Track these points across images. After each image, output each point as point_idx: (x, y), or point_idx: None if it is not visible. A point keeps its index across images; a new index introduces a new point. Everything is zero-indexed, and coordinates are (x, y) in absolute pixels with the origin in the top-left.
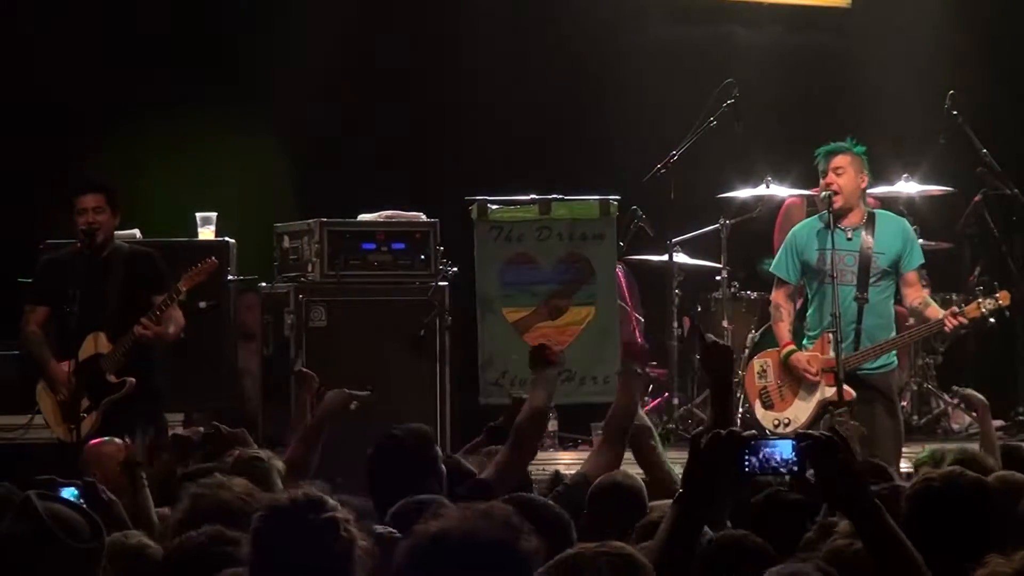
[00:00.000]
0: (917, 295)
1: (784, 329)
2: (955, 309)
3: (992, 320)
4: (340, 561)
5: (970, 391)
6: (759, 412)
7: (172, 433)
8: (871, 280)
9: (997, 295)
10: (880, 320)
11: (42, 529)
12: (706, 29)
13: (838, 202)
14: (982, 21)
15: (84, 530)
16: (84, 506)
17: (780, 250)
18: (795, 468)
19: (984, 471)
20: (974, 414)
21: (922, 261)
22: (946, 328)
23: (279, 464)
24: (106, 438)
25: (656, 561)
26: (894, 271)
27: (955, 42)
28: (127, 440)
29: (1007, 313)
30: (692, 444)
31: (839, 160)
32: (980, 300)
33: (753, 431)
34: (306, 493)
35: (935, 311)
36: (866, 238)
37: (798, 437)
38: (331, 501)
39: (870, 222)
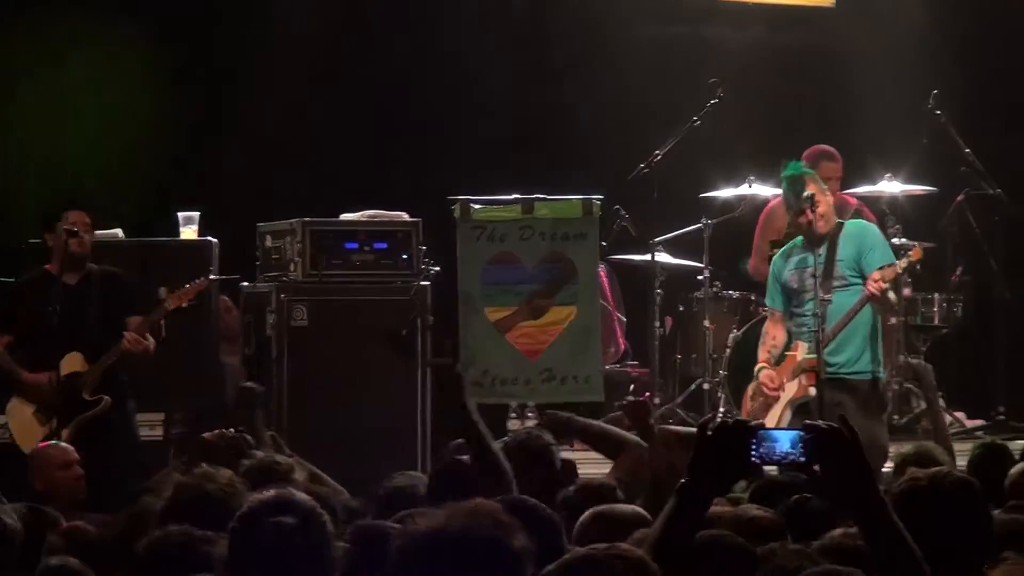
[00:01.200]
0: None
1: (762, 351)
2: (875, 275)
3: (909, 279)
4: (309, 562)
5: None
6: None
7: (199, 436)
8: (836, 285)
9: (910, 252)
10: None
11: None
12: (691, 28)
13: (822, 229)
14: (965, 21)
15: None
16: None
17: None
18: (800, 460)
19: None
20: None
21: (887, 260)
22: (870, 292)
23: (302, 471)
24: (52, 441)
25: (656, 550)
26: (861, 275)
27: (938, 42)
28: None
29: (918, 267)
30: (699, 432)
31: (813, 191)
32: (896, 261)
33: (761, 421)
34: (278, 495)
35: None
36: (832, 248)
37: (805, 428)
38: (306, 503)
39: (837, 232)
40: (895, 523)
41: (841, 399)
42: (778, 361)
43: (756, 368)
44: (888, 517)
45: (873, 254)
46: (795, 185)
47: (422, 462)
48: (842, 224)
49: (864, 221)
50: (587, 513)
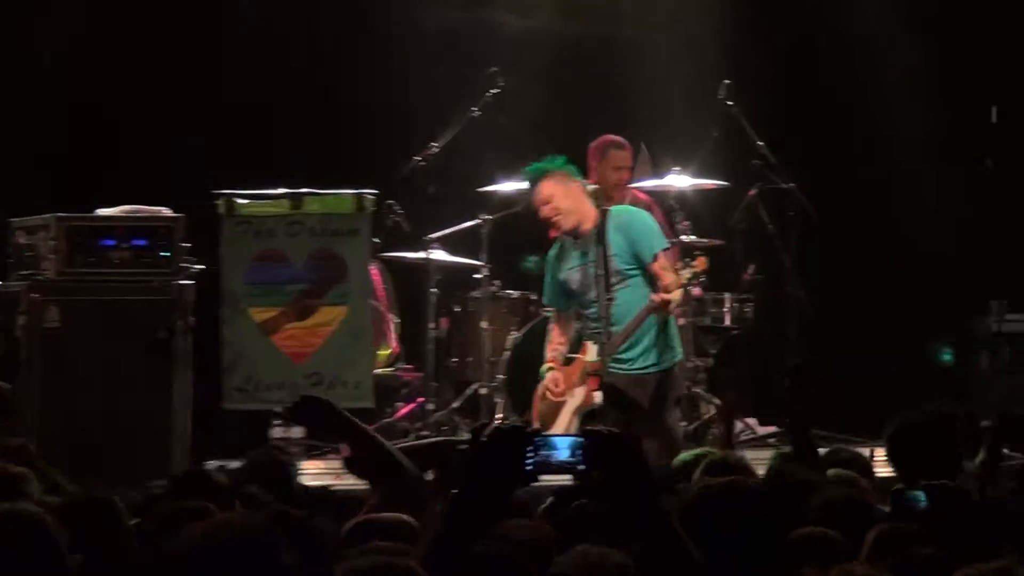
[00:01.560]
0: (664, 285)
1: (549, 350)
2: (660, 278)
3: (692, 289)
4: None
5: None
6: None
7: None
8: (614, 282)
9: (694, 262)
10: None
11: None
12: (473, 16)
13: (567, 225)
14: (758, 11)
15: None
16: None
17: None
18: (580, 467)
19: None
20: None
21: (660, 247)
22: (656, 303)
23: (42, 480)
24: None
25: (426, 560)
26: (639, 266)
27: (730, 32)
28: None
29: (703, 278)
30: (472, 439)
31: (543, 192)
32: (680, 271)
33: (537, 427)
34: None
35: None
36: (602, 242)
37: (584, 434)
38: (33, 516)
39: (602, 225)
40: (676, 532)
41: (631, 399)
42: (566, 362)
43: (543, 368)
44: (668, 526)
45: (648, 243)
46: (532, 184)
47: (177, 465)
48: (606, 212)
49: (629, 207)
50: (350, 522)
